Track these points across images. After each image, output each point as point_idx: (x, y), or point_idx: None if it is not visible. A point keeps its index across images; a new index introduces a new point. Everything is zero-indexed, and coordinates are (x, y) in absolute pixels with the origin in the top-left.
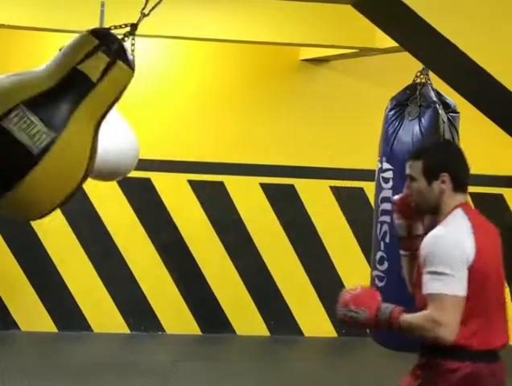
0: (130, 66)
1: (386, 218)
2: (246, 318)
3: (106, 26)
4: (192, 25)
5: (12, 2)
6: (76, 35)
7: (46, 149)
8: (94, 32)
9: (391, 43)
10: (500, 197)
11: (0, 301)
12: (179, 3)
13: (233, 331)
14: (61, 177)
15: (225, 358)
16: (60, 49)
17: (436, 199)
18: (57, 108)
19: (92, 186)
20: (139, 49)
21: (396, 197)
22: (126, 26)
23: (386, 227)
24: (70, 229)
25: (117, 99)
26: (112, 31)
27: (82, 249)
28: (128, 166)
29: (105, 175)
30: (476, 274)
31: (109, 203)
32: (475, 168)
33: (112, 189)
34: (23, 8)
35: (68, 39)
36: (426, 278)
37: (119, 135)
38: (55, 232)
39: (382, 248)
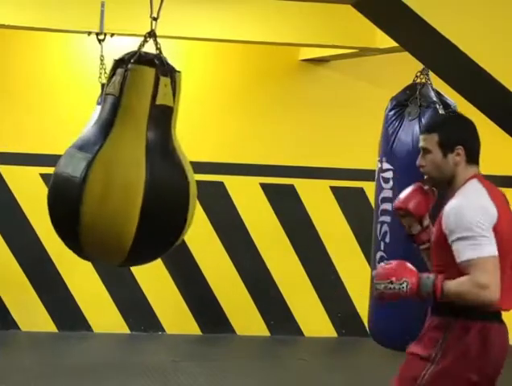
0: (177, 70)
1: (386, 218)
2: (246, 318)
3: (106, 26)
4: (191, 25)
5: (12, 2)
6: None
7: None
8: (140, 61)
9: (391, 43)
10: None
11: (0, 301)
12: (178, 3)
13: (233, 331)
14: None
15: (225, 358)
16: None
17: (451, 171)
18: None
19: None
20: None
21: (399, 200)
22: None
23: (386, 228)
24: None
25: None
26: (153, 54)
27: None
28: None
29: None
30: (498, 236)
31: None
32: None
33: None
34: (23, 8)
35: (67, 39)
36: (460, 245)
37: None
38: (55, 232)
39: (382, 248)
